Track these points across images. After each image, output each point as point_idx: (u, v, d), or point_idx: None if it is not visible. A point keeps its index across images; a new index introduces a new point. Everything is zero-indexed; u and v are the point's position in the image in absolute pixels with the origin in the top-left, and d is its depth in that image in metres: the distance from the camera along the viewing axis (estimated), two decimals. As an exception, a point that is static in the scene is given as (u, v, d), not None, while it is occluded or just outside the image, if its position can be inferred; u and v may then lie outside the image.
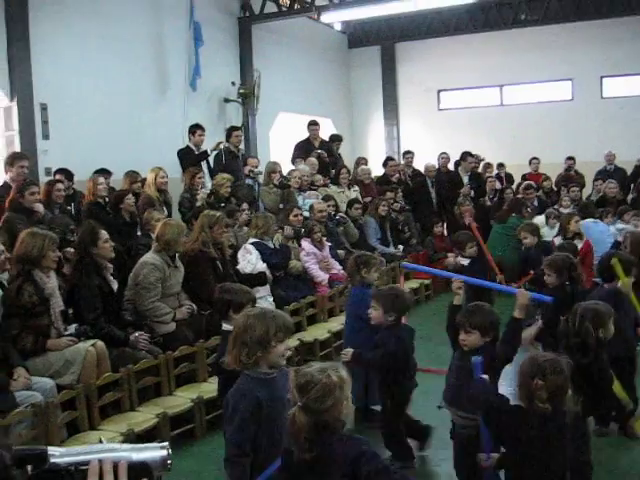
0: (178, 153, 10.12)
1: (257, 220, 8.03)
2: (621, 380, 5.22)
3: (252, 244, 7.75)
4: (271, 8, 14.10)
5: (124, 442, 4.72)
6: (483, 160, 14.27)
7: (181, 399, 5.60)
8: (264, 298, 7.32)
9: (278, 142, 14.82)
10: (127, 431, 4.87)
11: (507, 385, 5.28)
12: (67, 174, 8.61)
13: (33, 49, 9.27)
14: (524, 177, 13.72)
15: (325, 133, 13.30)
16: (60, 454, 1.45)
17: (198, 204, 8.74)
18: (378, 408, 5.65)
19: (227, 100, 13.41)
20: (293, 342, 7.10)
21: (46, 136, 9.54)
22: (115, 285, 5.96)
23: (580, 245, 8.29)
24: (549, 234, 9.67)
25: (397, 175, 12.49)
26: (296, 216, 8.82)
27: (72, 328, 5.50)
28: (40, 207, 7.05)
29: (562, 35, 16.13)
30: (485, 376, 3.50)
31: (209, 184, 9.68)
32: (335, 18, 15.15)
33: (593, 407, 4.02)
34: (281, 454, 2.97)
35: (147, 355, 5.65)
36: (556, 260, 5.46)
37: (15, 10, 9.08)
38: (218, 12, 13.36)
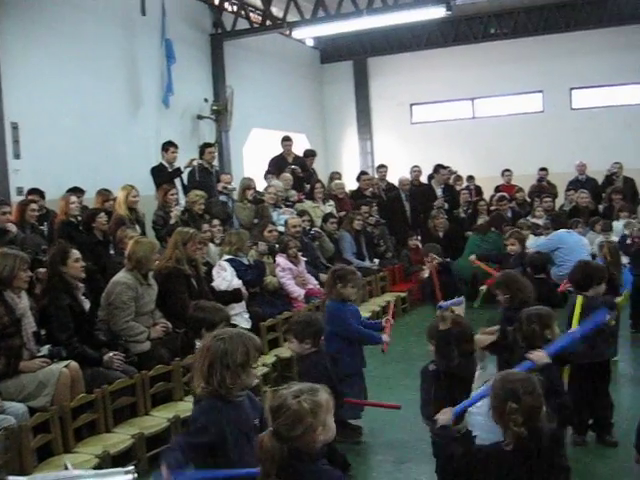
0: (151, 171, 10.07)
1: (230, 237, 8.00)
2: (595, 388, 5.28)
3: (226, 261, 7.71)
4: (243, 25, 14.12)
5: (100, 464, 4.67)
6: (456, 172, 14.38)
7: (157, 419, 5.53)
8: (240, 314, 7.29)
9: (252, 158, 14.81)
10: (102, 453, 4.80)
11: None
12: (39, 194, 8.53)
13: (3, 68, 9.17)
14: (497, 189, 13.83)
15: (299, 148, 13.32)
16: None
17: (172, 221, 8.70)
18: (355, 422, 5.66)
19: (200, 117, 13.39)
20: (270, 359, 7.08)
21: (17, 155, 9.44)
22: (87, 305, 5.88)
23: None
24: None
25: (371, 189, 12.52)
26: (270, 232, 8.80)
27: (45, 349, 5.42)
28: (13, 227, 6.97)
29: (532, 48, 16.34)
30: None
31: (183, 201, 9.64)
32: (307, 34, 15.19)
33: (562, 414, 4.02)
34: None
35: (122, 375, 5.58)
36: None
37: (-16, 29, 9.01)
38: (190, 29, 13.36)
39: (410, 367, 6.64)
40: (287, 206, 10.66)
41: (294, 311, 8.04)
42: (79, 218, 8.10)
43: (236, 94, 13.69)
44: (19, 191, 9.21)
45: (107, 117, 10.93)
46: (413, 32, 17.22)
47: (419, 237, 11.84)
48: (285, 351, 7.39)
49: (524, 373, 3.24)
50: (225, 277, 7.49)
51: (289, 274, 8.56)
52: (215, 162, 11.38)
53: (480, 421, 4.72)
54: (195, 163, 10.41)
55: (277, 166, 11.73)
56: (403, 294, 10.54)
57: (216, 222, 8.88)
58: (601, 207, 12.74)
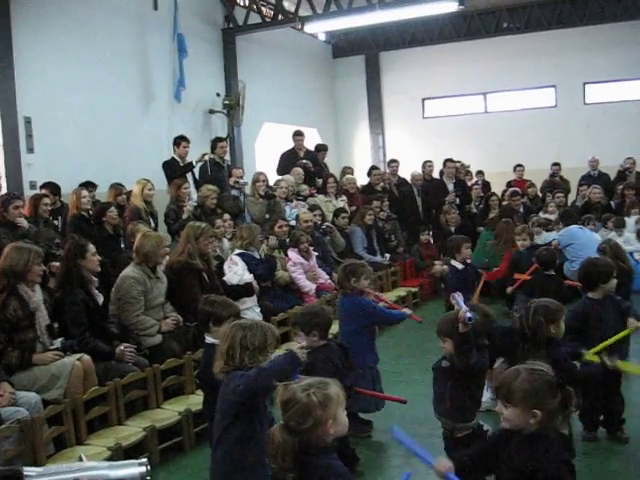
0: (163, 165, 10.10)
1: (242, 231, 8.01)
2: (606, 384, 5.26)
3: (238, 255, 7.73)
4: (255, 19, 14.12)
5: (112, 457, 4.71)
6: (468, 167, 14.33)
7: (169, 412, 5.56)
8: (251, 309, 7.31)
9: (263, 152, 14.83)
10: (114, 445, 4.84)
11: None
12: (53, 188, 8.58)
13: (17, 63, 9.24)
14: (509, 184, 13.78)
15: (311, 143, 13.32)
16: (37, 474, 1.43)
17: (184, 216, 8.72)
18: (366, 417, 5.68)
19: (212, 111, 13.41)
20: (282, 352, 7.09)
21: (30, 150, 9.50)
22: (100, 299, 5.92)
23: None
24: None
25: (382, 184, 12.51)
26: (281, 227, 8.80)
27: (58, 342, 5.47)
28: (24, 222, 7.01)
29: (545, 42, 16.26)
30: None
31: (195, 196, 9.66)
32: (319, 28, 15.19)
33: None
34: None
35: (134, 368, 5.61)
36: None
37: (-3, 24, 9.06)
38: (202, 24, 13.38)
39: (421, 361, 6.65)
40: (298, 200, 10.66)
41: (305, 305, 8.06)
42: (91, 212, 8.14)
43: (248, 88, 13.71)
44: (32, 185, 9.27)
45: (119, 111, 10.97)
46: (425, 26, 17.17)
47: (431, 232, 11.83)
48: (296, 345, 7.40)
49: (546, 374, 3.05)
50: (237, 271, 7.51)
51: (300, 269, 8.57)
52: (227, 156, 11.38)
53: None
54: (207, 158, 10.43)
55: (288, 160, 11.73)
56: (414, 289, 10.55)
57: (227, 217, 8.90)
58: (613, 203, 12.68)
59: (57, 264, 6.08)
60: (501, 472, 3.01)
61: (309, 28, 14.18)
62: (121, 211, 8.62)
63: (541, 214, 11.65)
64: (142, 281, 6.15)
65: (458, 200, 12.38)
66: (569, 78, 16.31)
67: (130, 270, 6.22)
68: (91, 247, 5.87)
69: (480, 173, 14.46)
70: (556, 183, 13.54)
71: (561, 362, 4.19)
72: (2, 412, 4.57)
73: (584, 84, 16.46)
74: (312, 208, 10.14)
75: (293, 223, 9.60)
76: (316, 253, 9.00)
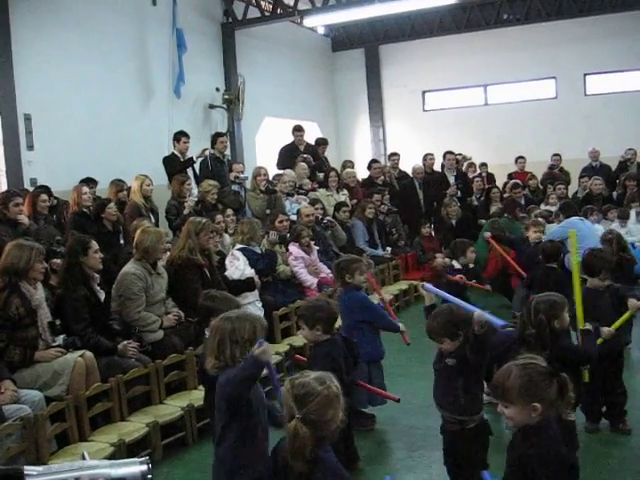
0: (163, 161, 10.10)
1: (243, 226, 8.01)
2: (608, 376, 5.27)
3: (239, 250, 7.74)
4: (254, 13, 14.10)
5: (115, 453, 4.72)
6: (470, 159, 14.30)
7: (171, 407, 5.58)
8: (253, 303, 7.31)
9: (264, 147, 14.82)
10: (118, 441, 4.85)
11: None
12: (47, 191, 8.55)
13: (16, 59, 9.23)
14: (510, 176, 13.76)
15: (311, 137, 13.30)
16: (38, 473, 1.43)
17: (186, 211, 8.72)
18: (369, 410, 5.69)
19: (212, 106, 13.40)
20: (283, 347, 7.11)
21: (30, 147, 9.50)
22: (102, 295, 5.92)
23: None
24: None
25: (382, 177, 12.50)
26: (281, 222, 8.78)
27: (60, 339, 5.47)
28: (25, 219, 7.01)
29: (545, 34, 16.23)
30: None
31: (195, 191, 9.66)
32: (318, 22, 15.18)
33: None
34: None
35: (136, 364, 5.62)
36: None
37: (-4, 20, 9.05)
38: (201, 18, 13.36)
39: (423, 355, 6.61)
40: (300, 194, 10.66)
41: (307, 299, 8.06)
42: (91, 209, 8.14)
43: (247, 83, 13.70)
44: (32, 182, 9.27)
45: (119, 107, 10.97)
46: (425, 19, 17.16)
47: (432, 225, 11.82)
48: (298, 339, 7.42)
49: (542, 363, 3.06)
50: (238, 266, 7.52)
51: (302, 263, 8.57)
52: (227, 151, 11.39)
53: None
54: (207, 153, 10.43)
55: (289, 155, 11.72)
56: (416, 282, 10.53)
57: (229, 212, 8.90)
58: (615, 194, 12.66)
59: (58, 261, 6.09)
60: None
61: (308, 22, 14.19)
62: (123, 207, 8.63)
63: (542, 206, 11.63)
64: (143, 277, 6.15)
65: (459, 193, 12.36)
66: (569, 69, 16.29)
67: (131, 266, 6.23)
68: (94, 244, 5.87)
69: (484, 165, 14.45)
70: (555, 175, 13.51)
71: (570, 349, 4.24)
72: (5, 410, 4.58)
73: (584, 75, 16.44)
74: (313, 202, 10.13)
75: (294, 218, 9.60)
76: (317, 247, 9.00)
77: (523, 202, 11.86)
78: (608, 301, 5.26)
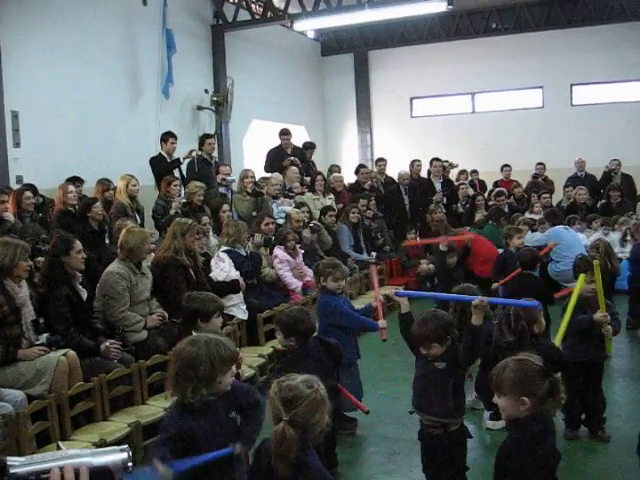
0: (150, 161, 10.09)
1: (228, 228, 8.02)
2: (589, 384, 5.32)
3: (224, 252, 7.75)
4: (244, 16, 14.12)
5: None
6: (457, 166, 14.38)
7: (154, 408, 5.57)
8: (237, 306, 7.33)
9: (252, 150, 14.83)
10: (99, 441, 4.84)
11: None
12: (32, 189, 8.52)
13: (4, 56, 9.18)
14: (496, 184, 13.86)
15: (299, 140, 13.33)
16: (20, 464, 1.45)
17: (172, 212, 8.72)
18: (351, 415, 5.71)
19: (200, 108, 13.40)
20: (267, 350, 7.12)
21: (17, 144, 9.46)
22: (85, 294, 5.91)
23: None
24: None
25: (369, 182, 12.54)
26: (267, 225, 8.80)
27: (43, 337, 5.45)
28: (10, 216, 6.99)
29: (532, 44, 16.36)
30: None
31: (182, 192, 9.66)
32: (308, 26, 15.18)
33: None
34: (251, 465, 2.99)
35: (119, 364, 5.61)
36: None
37: (-15, 18, 9.01)
38: (191, 19, 13.36)
39: (406, 359, 6.63)
40: (288, 197, 10.69)
41: (291, 303, 8.07)
42: (77, 207, 8.12)
43: (236, 85, 13.69)
44: (18, 180, 9.24)
45: (107, 107, 10.94)
46: (414, 26, 17.25)
47: (417, 231, 11.88)
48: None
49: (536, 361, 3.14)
50: (223, 268, 7.52)
51: (287, 266, 8.59)
52: (215, 153, 11.38)
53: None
54: (194, 154, 10.42)
55: (276, 158, 11.75)
56: (402, 287, 10.57)
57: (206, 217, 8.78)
58: (599, 204, 12.77)
59: (41, 259, 6.08)
60: None
61: (298, 26, 14.20)
62: (109, 207, 8.61)
63: (527, 214, 11.72)
64: (127, 277, 6.14)
65: (445, 199, 12.42)
66: (556, 79, 16.42)
67: (115, 266, 6.22)
68: (77, 244, 5.84)
69: (475, 172, 14.53)
70: (540, 184, 13.62)
71: (550, 351, 4.29)
72: (-14, 408, 4.57)
73: (571, 85, 16.58)
74: (299, 205, 10.16)
75: (280, 221, 9.62)
76: (302, 251, 9.02)
77: (507, 210, 11.95)
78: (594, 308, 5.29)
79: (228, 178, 10.44)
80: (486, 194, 13.24)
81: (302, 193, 11.21)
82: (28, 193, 7.79)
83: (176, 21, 12.24)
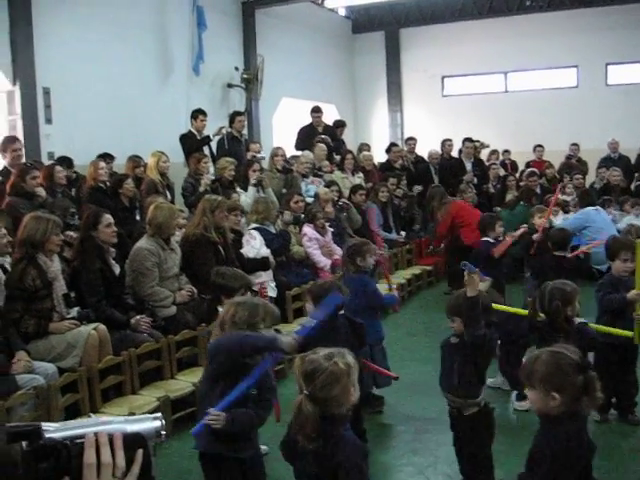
0: (180, 138, 10.12)
1: (258, 205, 8.03)
2: (622, 366, 5.26)
3: (254, 229, 7.76)
4: (275, -8, 14.05)
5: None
6: (488, 147, 14.22)
7: (182, 383, 5.62)
8: (267, 283, 7.34)
9: (281, 128, 14.80)
10: (128, 414, 4.89)
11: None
12: (68, 162, 8.61)
13: (36, 33, 9.25)
14: (528, 164, 13.69)
15: (329, 119, 13.27)
16: (55, 429, 1.45)
17: (201, 189, 8.75)
18: (378, 392, 5.72)
19: (230, 85, 13.38)
20: (295, 327, 7.13)
21: (49, 120, 9.54)
22: (117, 269, 5.95)
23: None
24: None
25: (400, 161, 12.46)
26: (297, 202, 8.80)
27: (74, 311, 5.52)
28: (42, 191, 7.05)
29: (567, 22, 16.05)
30: None
31: (212, 169, 9.67)
32: (339, 3, 15.12)
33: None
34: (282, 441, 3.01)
35: (149, 339, 5.66)
36: None
37: (18, -7, 9.06)
38: (222, -4, 13.31)
39: (432, 340, 6.63)
40: (317, 176, 10.65)
41: (320, 279, 8.08)
42: (107, 184, 8.17)
43: (266, 63, 13.65)
44: (50, 156, 9.32)
45: (137, 84, 10.98)
46: (447, 3, 17.03)
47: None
48: (310, 320, 7.45)
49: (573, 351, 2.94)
50: (254, 245, 7.55)
51: (316, 244, 8.58)
52: (244, 131, 11.38)
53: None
54: (224, 131, 10.43)
55: (307, 136, 11.71)
56: (429, 267, 10.53)
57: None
58: (633, 185, 12.57)
59: (72, 233, 6.13)
60: None
61: (329, 2, 14.14)
62: (139, 183, 8.65)
63: (559, 195, 11.57)
64: (156, 252, 6.17)
65: (476, 179, 12.31)
66: (591, 58, 16.11)
67: (144, 242, 6.25)
68: (105, 218, 5.86)
69: (507, 152, 14.37)
70: (573, 165, 13.42)
71: (586, 332, 4.24)
72: (18, 379, 4.64)
73: (606, 65, 16.26)
74: (329, 184, 10.12)
75: (309, 200, 9.59)
76: (332, 229, 9.00)
77: (539, 191, 11.80)
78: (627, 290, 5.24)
79: (258, 155, 10.42)
80: (517, 174, 13.08)
81: (331, 172, 11.17)
82: (59, 168, 7.85)
83: (207, -2, 12.21)
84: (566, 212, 10.33)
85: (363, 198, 10.49)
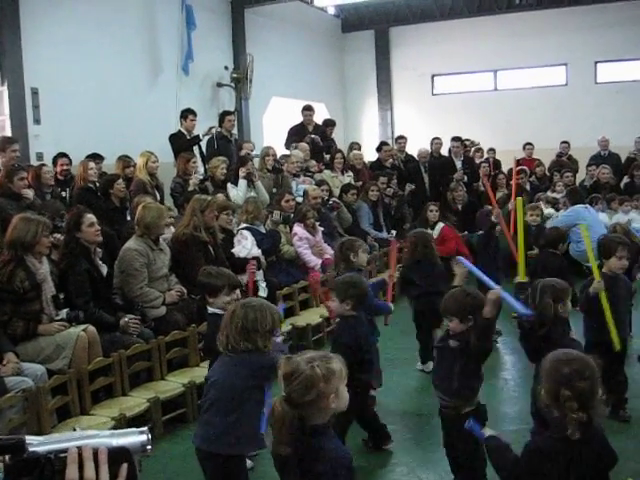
0: (170, 138, 10.07)
1: (247, 205, 8.02)
2: (612, 366, 5.26)
3: (245, 229, 7.74)
4: (264, -8, 14.02)
5: (115, 427, 4.74)
6: (477, 145, 14.24)
7: (173, 384, 5.60)
8: (258, 283, 7.32)
9: (271, 127, 14.77)
10: (118, 416, 4.87)
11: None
12: (66, 157, 8.59)
13: (24, 33, 9.20)
14: (518, 162, 13.67)
15: (318, 118, 13.26)
16: (38, 442, 1.43)
17: (190, 189, 8.72)
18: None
19: (220, 84, 13.35)
20: (285, 327, 7.11)
21: (37, 121, 9.48)
22: (105, 270, 5.92)
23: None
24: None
25: (391, 160, 12.46)
26: (287, 201, 8.79)
27: (63, 313, 5.48)
28: (29, 193, 7.01)
29: (557, 20, 16.08)
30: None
31: (201, 169, 9.65)
32: (328, 2, 15.10)
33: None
34: None
35: (138, 340, 5.64)
36: None
37: (5, -7, 9.01)
38: (211, -5, 13.28)
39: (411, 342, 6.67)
40: (307, 176, 10.64)
41: (310, 280, 8.08)
42: (97, 184, 8.14)
43: (256, 62, 13.63)
44: (39, 156, 9.27)
45: (127, 83, 10.93)
46: (437, 2, 17.03)
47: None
48: (300, 319, 7.45)
49: (578, 354, 3.01)
50: (245, 245, 7.53)
51: (306, 243, 8.56)
52: (234, 130, 11.35)
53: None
54: (214, 131, 10.40)
55: (297, 135, 11.69)
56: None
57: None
58: (622, 183, 12.61)
59: (58, 236, 6.09)
60: None
61: (319, 1, 14.13)
62: (129, 183, 8.62)
63: (549, 193, 11.60)
64: (144, 253, 6.14)
65: (466, 178, 12.33)
66: (581, 56, 16.15)
67: (132, 242, 6.22)
68: (87, 218, 5.80)
69: (491, 150, 14.38)
70: (563, 163, 13.45)
71: (562, 339, 4.22)
72: (7, 382, 4.60)
73: (595, 63, 16.31)
74: (319, 183, 10.11)
75: (299, 199, 9.58)
76: (322, 228, 8.99)
77: (529, 188, 11.84)
78: (623, 286, 5.28)
79: (252, 154, 10.39)
80: (506, 172, 13.08)
81: (320, 171, 11.16)
82: (46, 168, 7.81)
83: (195, -3, 12.17)
84: (557, 210, 10.35)
85: (354, 197, 10.49)
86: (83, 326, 5.36)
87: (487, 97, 17.17)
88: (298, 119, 12.10)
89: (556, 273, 5.01)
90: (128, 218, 7.93)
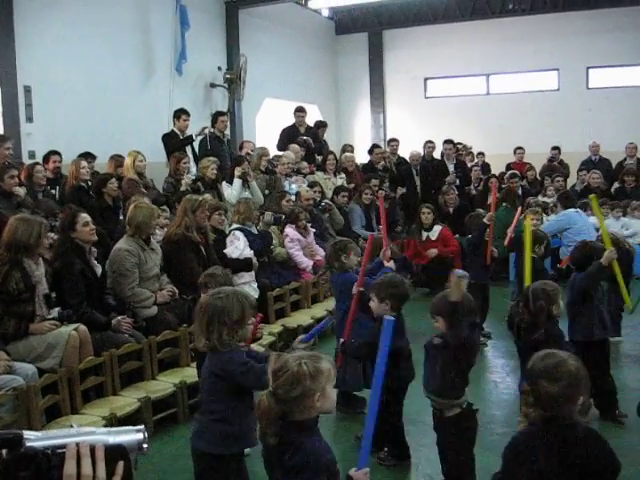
0: (163, 138, 10.07)
1: (239, 206, 8.02)
2: (598, 365, 5.30)
3: (236, 230, 7.75)
4: (258, -7, 14.01)
5: (106, 426, 4.73)
6: (470, 148, 14.29)
7: (164, 384, 5.60)
8: (249, 284, 7.33)
9: (264, 128, 14.78)
10: (109, 415, 4.87)
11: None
12: (58, 155, 8.59)
13: (17, 31, 9.16)
14: (509, 166, 13.75)
15: (311, 119, 13.27)
16: (36, 438, 1.43)
17: (182, 189, 8.71)
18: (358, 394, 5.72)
19: (213, 85, 13.34)
20: (276, 328, 7.13)
21: (29, 119, 9.45)
22: (99, 269, 5.91)
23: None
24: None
25: (382, 163, 12.48)
26: (288, 201, 8.85)
27: (55, 312, 5.47)
28: (20, 190, 6.99)
29: (549, 25, 16.15)
30: None
31: (194, 169, 9.64)
32: (322, 4, 15.12)
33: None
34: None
35: (130, 339, 5.63)
36: None
37: (-2, -9, 8.98)
38: (205, -4, 13.27)
39: (415, 341, 6.66)
40: (299, 176, 10.65)
41: (302, 282, 8.10)
42: (89, 183, 8.12)
43: (250, 63, 13.61)
44: (31, 155, 9.24)
45: (120, 83, 10.91)
46: (430, 5, 17.05)
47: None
48: (291, 320, 7.47)
49: (560, 356, 2.88)
50: (238, 246, 7.53)
51: (298, 245, 8.58)
52: (227, 131, 11.35)
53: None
54: (207, 131, 10.40)
55: (289, 136, 11.70)
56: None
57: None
58: (613, 188, 12.67)
59: (52, 235, 6.07)
60: None
61: (313, 3, 14.14)
62: (120, 182, 8.60)
63: (540, 197, 11.66)
64: (135, 253, 6.14)
65: (458, 181, 12.36)
66: (573, 62, 16.22)
67: (123, 242, 6.21)
68: (82, 217, 5.78)
69: (481, 154, 14.43)
70: (554, 168, 13.51)
71: (559, 338, 4.28)
72: (-3, 380, 4.59)
73: (587, 68, 16.38)
74: (311, 185, 10.13)
75: (292, 199, 9.60)
76: (314, 230, 9.01)
77: (520, 193, 11.88)
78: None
79: (252, 153, 10.39)
80: (499, 176, 13.13)
81: (311, 172, 11.17)
82: (39, 167, 7.80)
83: (190, -3, 12.16)
84: (548, 214, 10.40)
85: (346, 199, 10.51)
86: (74, 325, 5.35)
87: (479, 101, 17.22)
88: (291, 121, 12.11)
89: (537, 276, 5.13)
90: (121, 217, 7.92)
